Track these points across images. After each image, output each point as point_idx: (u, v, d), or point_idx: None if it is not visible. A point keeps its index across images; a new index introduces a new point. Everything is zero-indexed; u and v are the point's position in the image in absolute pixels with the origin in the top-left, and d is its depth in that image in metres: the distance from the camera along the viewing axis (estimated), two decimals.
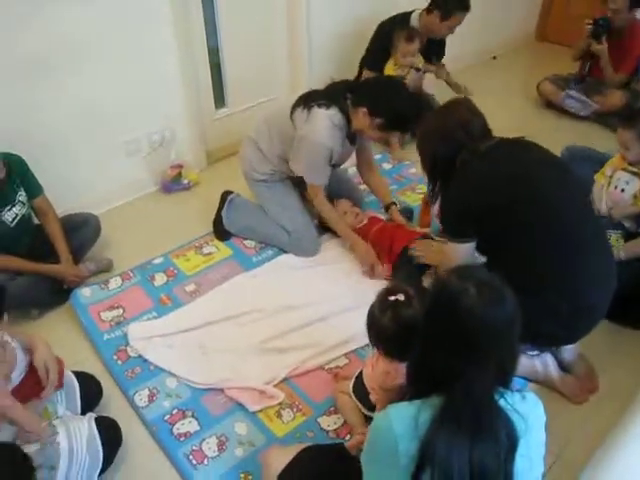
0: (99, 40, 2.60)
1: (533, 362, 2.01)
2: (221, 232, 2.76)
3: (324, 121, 2.38)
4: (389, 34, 3.30)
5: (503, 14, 4.74)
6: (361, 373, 1.80)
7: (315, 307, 2.32)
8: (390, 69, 3.31)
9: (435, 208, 2.30)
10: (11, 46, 2.37)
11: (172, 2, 2.75)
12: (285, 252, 2.66)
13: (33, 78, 2.47)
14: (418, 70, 3.35)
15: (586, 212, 1.91)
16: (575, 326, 1.86)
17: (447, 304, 1.15)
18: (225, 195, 2.79)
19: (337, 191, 2.77)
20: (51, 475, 1.53)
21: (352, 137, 2.51)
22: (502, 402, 1.14)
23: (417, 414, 1.12)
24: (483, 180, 1.85)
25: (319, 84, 3.11)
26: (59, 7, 2.42)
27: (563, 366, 2.03)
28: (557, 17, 5.08)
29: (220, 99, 3.37)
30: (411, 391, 1.22)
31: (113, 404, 1.98)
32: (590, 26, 3.52)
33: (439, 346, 1.16)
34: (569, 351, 2.04)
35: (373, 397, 1.70)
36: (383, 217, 2.74)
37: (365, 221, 2.68)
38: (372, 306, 1.62)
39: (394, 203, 2.73)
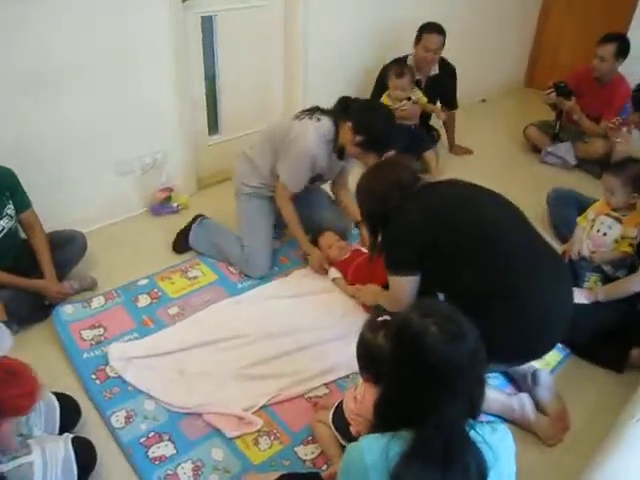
0: (99, 61, 2.64)
1: (511, 401, 2.03)
2: (180, 244, 2.84)
3: (313, 130, 2.52)
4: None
5: (493, 59, 4.91)
6: (341, 404, 1.80)
7: (297, 336, 2.33)
8: (384, 100, 3.50)
9: None
10: (11, 61, 2.40)
11: (173, 29, 2.81)
12: (268, 281, 2.68)
13: (30, 93, 2.49)
14: (409, 99, 3.51)
15: (527, 229, 1.96)
16: (534, 339, 1.88)
17: (410, 343, 1.17)
18: (198, 216, 2.89)
19: (324, 219, 2.84)
20: None
21: (341, 152, 2.61)
22: (472, 434, 1.16)
23: (388, 446, 1.14)
24: (419, 215, 1.93)
25: None
26: (61, 27, 2.47)
27: (539, 407, 2.04)
28: (545, 66, 5.26)
29: (214, 126, 3.42)
30: (381, 425, 1.23)
31: (90, 424, 1.95)
32: (552, 92, 3.65)
33: (406, 383, 1.18)
34: (545, 391, 2.06)
35: (354, 429, 1.70)
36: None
37: (347, 255, 2.70)
38: (362, 332, 1.63)
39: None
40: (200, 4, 2.92)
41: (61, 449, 1.62)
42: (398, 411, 1.20)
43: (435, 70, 3.68)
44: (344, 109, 2.55)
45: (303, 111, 2.62)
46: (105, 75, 2.69)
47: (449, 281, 1.92)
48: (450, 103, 3.85)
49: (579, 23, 4.87)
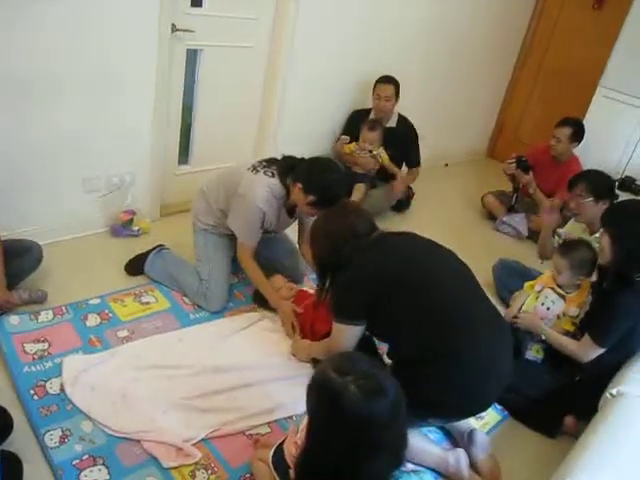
0: (78, 74, 2.65)
1: (447, 455, 2.06)
2: (134, 267, 2.84)
3: (263, 187, 2.54)
4: (361, 120, 3.82)
5: (460, 128, 5.14)
6: (282, 444, 1.80)
7: (243, 372, 2.32)
8: (349, 148, 3.81)
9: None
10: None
11: (159, 57, 2.87)
12: (221, 316, 2.68)
13: (6, 99, 2.49)
14: (370, 152, 3.74)
15: (472, 289, 2.01)
16: (474, 393, 1.92)
17: (329, 403, 1.18)
18: (158, 246, 2.89)
19: (283, 265, 2.90)
20: None
21: (291, 209, 2.67)
22: None
23: None
24: (371, 269, 1.95)
25: None
26: (46, 36, 2.49)
27: (473, 465, 2.08)
28: (507, 140, 5.53)
29: (184, 155, 3.45)
30: None
31: (21, 440, 1.87)
32: (513, 164, 3.86)
33: (327, 441, 1.18)
34: (480, 451, 2.10)
35: (293, 474, 1.69)
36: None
37: (294, 293, 2.73)
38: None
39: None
40: (188, 37, 2.99)
41: None
42: (319, 468, 1.21)
43: (392, 124, 3.88)
44: (290, 169, 2.56)
45: (261, 161, 2.64)
46: (86, 90, 2.71)
47: (392, 335, 1.98)
48: (409, 160, 4.02)
49: (541, 106, 5.19)
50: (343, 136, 3.91)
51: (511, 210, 4.13)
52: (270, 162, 2.63)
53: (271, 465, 1.79)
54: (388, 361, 2.15)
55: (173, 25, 2.88)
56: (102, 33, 2.64)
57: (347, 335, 2.03)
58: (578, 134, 3.83)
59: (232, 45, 3.27)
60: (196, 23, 3.00)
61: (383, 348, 2.32)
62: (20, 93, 2.51)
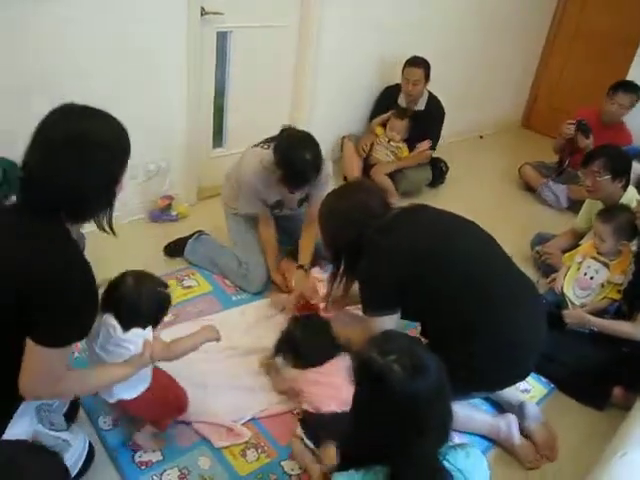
0: (108, 62, 2.67)
1: (498, 422, 2.07)
2: (173, 249, 2.88)
3: (252, 158, 2.52)
4: (392, 96, 3.76)
5: (494, 99, 5.04)
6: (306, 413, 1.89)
7: None
8: (380, 131, 3.77)
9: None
10: (22, 62, 2.44)
11: (189, 41, 2.87)
12: (263, 296, 2.69)
13: (45, 92, 2.51)
14: (389, 143, 3.72)
15: (503, 261, 1.98)
16: (512, 364, 1.92)
17: (374, 384, 1.18)
18: (197, 232, 2.90)
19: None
20: None
21: None
22: (445, 463, 1.18)
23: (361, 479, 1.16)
24: (396, 253, 1.86)
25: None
26: (87, 32, 2.54)
27: (526, 435, 2.08)
28: (542, 109, 5.40)
29: (218, 139, 3.47)
30: (351, 463, 1.23)
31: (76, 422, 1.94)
32: (572, 126, 3.71)
33: (374, 422, 1.19)
34: (533, 422, 2.10)
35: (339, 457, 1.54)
36: None
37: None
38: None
39: (304, 268, 2.64)
40: (218, 20, 2.99)
41: (82, 441, 1.68)
42: (368, 449, 1.21)
43: (421, 106, 3.78)
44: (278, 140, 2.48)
45: (269, 137, 2.57)
46: (117, 79, 2.73)
47: (428, 313, 1.94)
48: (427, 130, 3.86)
49: (577, 71, 5.03)
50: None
51: (560, 175, 4.01)
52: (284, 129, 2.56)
53: (301, 432, 1.86)
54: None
55: (202, 8, 2.88)
56: (132, 20, 2.65)
57: (384, 327, 1.88)
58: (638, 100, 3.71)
59: (261, 25, 3.25)
60: (225, 5, 2.99)
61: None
62: (53, 82, 2.53)
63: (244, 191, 2.59)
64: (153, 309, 1.70)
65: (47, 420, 1.63)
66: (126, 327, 1.65)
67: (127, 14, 2.62)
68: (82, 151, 1.39)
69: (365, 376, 1.22)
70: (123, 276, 1.73)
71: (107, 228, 1.56)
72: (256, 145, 2.59)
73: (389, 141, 3.73)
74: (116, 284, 1.70)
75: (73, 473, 1.63)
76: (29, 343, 1.36)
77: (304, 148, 2.37)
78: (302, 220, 2.77)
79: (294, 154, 2.35)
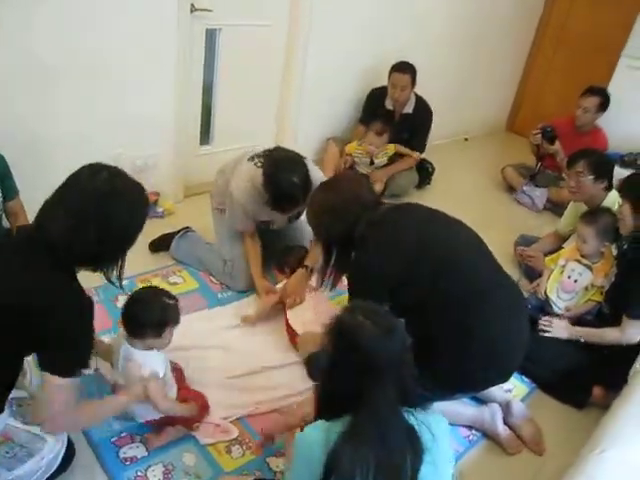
0: (97, 57, 2.66)
1: (482, 411, 2.12)
2: (158, 245, 2.88)
3: (244, 178, 2.48)
4: (379, 100, 3.74)
5: (479, 101, 5.10)
6: None
7: (278, 353, 2.36)
8: (352, 147, 3.74)
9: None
10: (18, 51, 2.43)
11: (179, 37, 2.87)
12: (248, 294, 2.69)
13: (32, 82, 2.52)
14: (372, 163, 3.70)
15: (485, 255, 1.99)
16: (496, 365, 1.94)
17: (348, 338, 1.28)
18: (184, 228, 2.90)
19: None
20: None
21: None
22: (410, 417, 1.27)
23: (329, 428, 1.25)
24: (387, 248, 1.87)
25: (302, 141, 3.25)
26: (76, 27, 2.52)
27: (513, 431, 2.13)
28: (526, 113, 5.46)
29: (206, 136, 3.46)
30: (323, 413, 1.34)
31: None
32: (538, 134, 3.79)
33: (344, 373, 1.28)
34: (518, 415, 2.14)
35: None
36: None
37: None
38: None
39: (308, 268, 2.58)
40: (207, 16, 2.99)
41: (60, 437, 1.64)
42: (337, 398, 1.31)
43: (409, 109, 3.79)
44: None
45: (265, 150, 2.52)
46: (106, 74, 2.72)
47: (415, 311, 1.87)
48: (416, 146, 3.85)
49: (561, 77, 5.10)
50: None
51: (532, 179, 4.08)
52: (272, 151, 2.51)
53: None
54: None
55: (192, 5, 2.88)
56: (122, 15, 2.64)
57: None
58: (605, 104, 3.77)
59: (251, 24, 3.25)
60: (215, 2, 2.99)
61: None
62: (45, 78, 2.53)
63: (234, 209, 2.55)
64: (156, 316, 1.82)
65: (20, 414, 1.62)
66: (134, 335, 1.83)
67: (116, 11, 2.61)
68: (108, 226, 1.49)
69: (339, 332, 1.31)
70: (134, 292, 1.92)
71: (116, 282, 1.64)
72: (252, 158, 2.52)
73: (368, 155, 3.68)
74: (128, 300, 1.88)
75: (51, 470, 1.61)
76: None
77: (292, 171, 2.33)
78: (293, 228, 2.80)
79: (281, 178, 2.31)
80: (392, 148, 3.74)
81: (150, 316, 1.82)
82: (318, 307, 2.51)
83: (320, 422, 1.30)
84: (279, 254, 2.82)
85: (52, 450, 1.60)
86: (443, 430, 1.34)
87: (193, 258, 2.82)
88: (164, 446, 1.90)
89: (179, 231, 2.89)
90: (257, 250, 2.68)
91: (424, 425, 1.26)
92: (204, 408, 1.99)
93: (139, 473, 1.81)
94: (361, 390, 1.24)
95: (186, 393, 1.98)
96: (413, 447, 1.23)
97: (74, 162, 2.78)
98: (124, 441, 1.90)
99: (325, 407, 1.36)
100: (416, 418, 1.27)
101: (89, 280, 2.48)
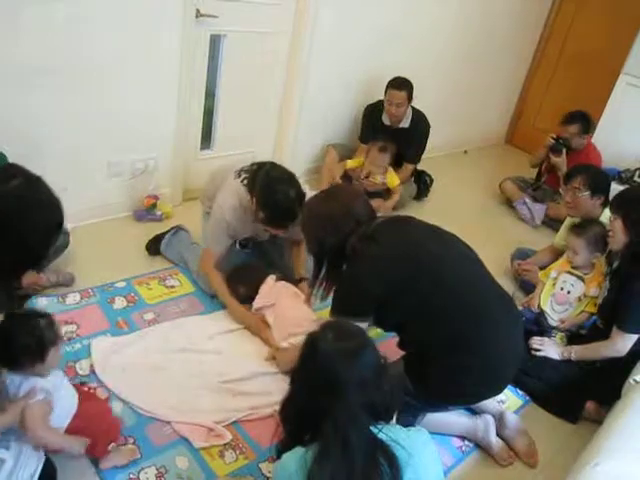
0: (102, 59, 2.67)
1: (475, 422, 2.12)
2: (153, 246, 2.88)
3: (231, 196, 2.44)
4: (375, 115, 3.74)
5: (479, 114, 5.13)
6: None
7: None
8: (353, 163, 3.71)
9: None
10: (15, 55, 2.43)
11: (183, 41, 2.88)
12: None
13: (37, 82, 2.52)
14: (366, 177, 3.62)
15: (480, 270, 1.98)
16: (490, 379, 1.94)
17: (309, 349, 1.31)
18: (175, 227, 2.92)
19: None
20: None
21: None
22: (382, 435, 1.27)
23: (305, 454, 1.26)
24: (378, 263, 1.86)
25: (302, 147, 3.22)
26: (80, 28, 2.53)
27: (507, 444, 2.14)
28: (525, 127, 5.50)
29: (207, 141, 3.47)
30: (290, 428, 1.38)
31: None
32: (553, 140, 3.80)
33: (305, 387, 1.31)
34: (512, 428, 2.15)
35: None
36: None
37: None
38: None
39: (304, 278, 2.61)
40: (212, 22, 3.00)
41: (34, 458, 1.58)
42: (300, 416, 1.33)
43: (406, 124, 3.76)
44: (253, 177, 2.39)
45: (252, 165, 2.48)
46: (110, 75, 2.73)
47: (407, 326, 1.93)
48: (409, 157, 3.84)
49: (561, 92, 5.13)
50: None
51: (537, 189, 4.08)
52: (261, 165, 2.45)
53: None
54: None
55: (197, 10, 2.89)
56: (127, 18, 2.65)
57: None
58: (587, 127, 3.78)
59: (255, 31, 3.26)
60: (220, 8, 3.00)
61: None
62: (47, 78, 2.53)
63: (215, 227, 2.49)
64: (30, 344, 1.53)
65: None
66: (13, 370, 1.56)
67: (121, 14, 2.62)
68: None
69: (304, 344, 1.35)
70: None
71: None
72: (238, 175, 2.46)
73: (368, 176, 3.62)
74: None
75: None
76: None
77: (291, 187, 2.30)
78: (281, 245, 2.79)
79: (278, 194, 2.28)
80: (394, 177, 3.66)
81: (24, 347, 1.52)
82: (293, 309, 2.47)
83: (297, 448, 1.30)
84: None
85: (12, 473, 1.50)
86: (421, 443, 1.33)
87: (178, 255, 2.82)
88: (157, 449, 1.89)
89: (171, 229, 2.90)
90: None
91: (395, 442, 1.27)
92: (111, 439, 1.81)
93: (132, 475, 1.80)
94: (322, 406, 1.26)
95: (82, 423, 1.69)
96: (391, 466, 1.23)
97: (74, 163, 2.84)
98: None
99: (295, 424, 1.38)
100: (386, 435, 1.27)
101: (87, 281, 2.55)
